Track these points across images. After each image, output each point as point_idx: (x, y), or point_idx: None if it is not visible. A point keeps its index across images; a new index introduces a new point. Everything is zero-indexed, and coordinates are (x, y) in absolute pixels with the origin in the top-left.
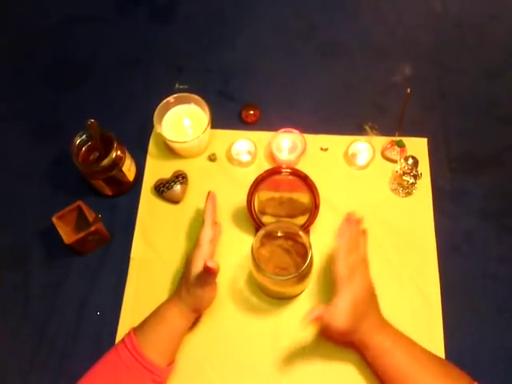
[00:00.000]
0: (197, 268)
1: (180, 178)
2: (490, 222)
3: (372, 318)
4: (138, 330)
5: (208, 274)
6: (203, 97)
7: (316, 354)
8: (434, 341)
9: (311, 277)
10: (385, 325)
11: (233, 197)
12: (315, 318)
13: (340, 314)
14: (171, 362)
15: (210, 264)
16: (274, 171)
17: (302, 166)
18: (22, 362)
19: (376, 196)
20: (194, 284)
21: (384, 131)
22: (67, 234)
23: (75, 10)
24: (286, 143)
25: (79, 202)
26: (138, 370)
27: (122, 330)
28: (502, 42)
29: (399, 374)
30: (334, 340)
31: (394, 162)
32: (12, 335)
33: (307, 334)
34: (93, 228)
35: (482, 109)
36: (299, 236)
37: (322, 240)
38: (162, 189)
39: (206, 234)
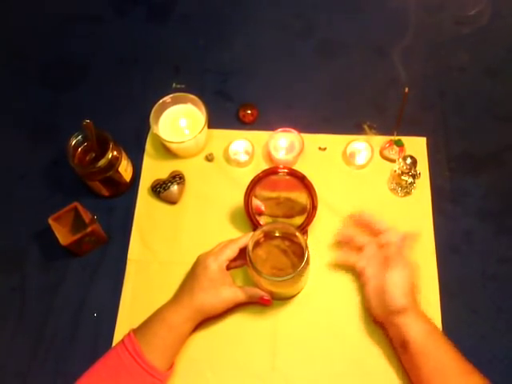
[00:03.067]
0: (211, 269)
1: (177, 178)
2: (490, 222)
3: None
4: (138, 333)
5: (259, 303)
6: (200, 96)
7: (314, 355)
8: None
9: (308, 277)
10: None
11: (230, 197)
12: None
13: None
14: (171, 366)
15: (267, 297)
16: (271, 171)
17: (299, 166)
18: (20, 364)
19: (374, 196)
20: (208, 282)
21: (383, 130)
22: (64, 235)
23: (72, 10)
24: (283, 143)
25: (76, 203)
26: (140, 374)
27: (120, 332)
28: (502, 40)
29: (439, 363)
30: (377, 319)
31: (393, 161)
32: (9, 337)
33: (305, 334)
34: (89, 229)
35: (482, 107)
36: (296, 236)
37: (320, 240)
38: (159, 189)
39: (229, 252)
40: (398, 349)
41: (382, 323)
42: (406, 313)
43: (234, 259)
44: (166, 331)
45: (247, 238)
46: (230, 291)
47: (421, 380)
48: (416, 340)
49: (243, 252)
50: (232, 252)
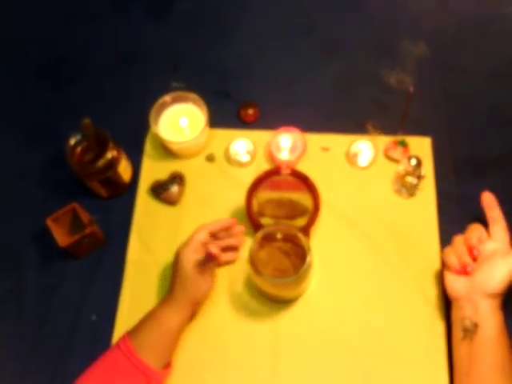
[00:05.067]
0: (188, 261)
1: (177, 178)
2: None
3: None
4: (132, 333)
5: (208, 261)
6: (201, 96)
7: (316, 359)
8: (436, 342)
9: (310, 279)
10: None
11: (231, 198)
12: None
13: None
14: (168, 366)
15: (212, 249)
16: (273, 172)
17: (302, 167)
18: (17, 366)
19: (378, 197)
20: (190, 276)
21: (386, 130)
22: (62, 236)
23: (71, 8)
24: (285, 143)
25: (74, 204)
26: (134, 373)
27: (118, 334)
28: (507, 42)
29: (499, 358)
30: (456, 294)
31: (397, 162)
32: (6, 339)
33: (308, 338)
34: (88, 230)
35: (486, 109)
36: (298, 238)
37: (323, 242)
38: (159, 190)
39: (200, 236)
40: (458, 333)
41: (456, 300)
42: (495, 299)
43: (224, 251)
44: (155, 327)
45: (219, 223)
46: (207, 282)
47: (472, 370)
48: (487, 327)
49: (231, 248)
50: (202, 236)
